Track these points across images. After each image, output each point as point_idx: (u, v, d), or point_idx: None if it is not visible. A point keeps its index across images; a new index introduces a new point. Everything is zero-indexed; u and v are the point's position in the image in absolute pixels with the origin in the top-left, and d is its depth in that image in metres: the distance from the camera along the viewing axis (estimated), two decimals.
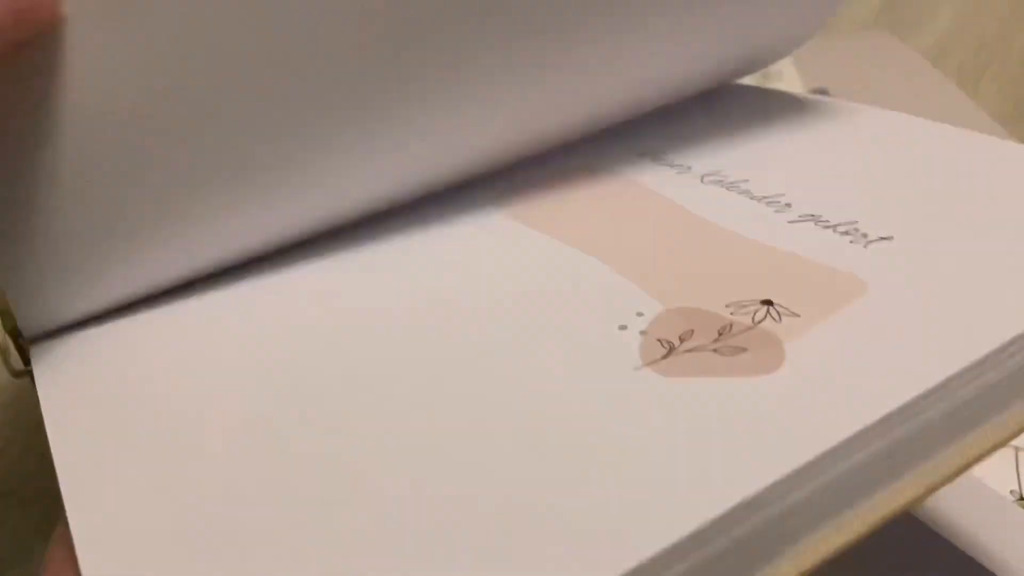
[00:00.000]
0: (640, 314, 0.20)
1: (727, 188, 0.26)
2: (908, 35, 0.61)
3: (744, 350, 0.19)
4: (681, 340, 0.19)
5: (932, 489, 0.18)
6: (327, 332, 0.22)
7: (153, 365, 0.22)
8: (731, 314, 0.20)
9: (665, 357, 0.19)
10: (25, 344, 0.25)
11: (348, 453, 0.18)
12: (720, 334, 0.19)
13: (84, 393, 0.21)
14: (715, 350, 0.19)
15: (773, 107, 0.31)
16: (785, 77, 0.54)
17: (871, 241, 0.22)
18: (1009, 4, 0.64)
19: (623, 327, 0.20)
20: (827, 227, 0.23)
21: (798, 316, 0.19)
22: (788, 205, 0.24)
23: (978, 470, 0.32)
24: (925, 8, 0.64)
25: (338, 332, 0.22)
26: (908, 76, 0.55)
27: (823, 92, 0.54)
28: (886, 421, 0.17)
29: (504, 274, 0.23)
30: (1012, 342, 0.18)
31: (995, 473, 0.34)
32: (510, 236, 0.25)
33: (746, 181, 0.26)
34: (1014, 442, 0.35)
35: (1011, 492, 0.33)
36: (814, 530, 0.17)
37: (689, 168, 0.27)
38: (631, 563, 0.15)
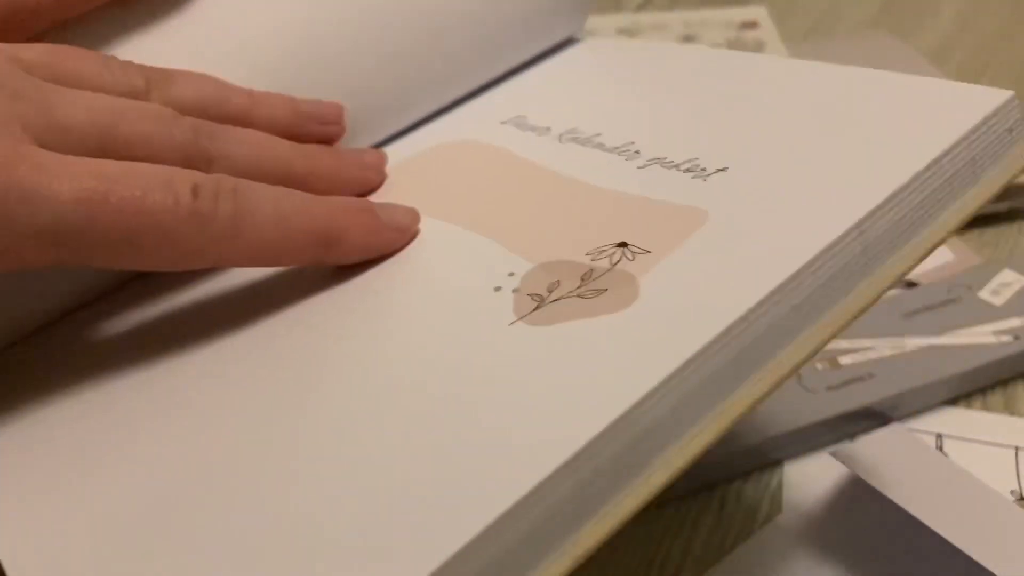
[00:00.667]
0: (511, 274, 0.23)
1: (582, 144, 0.28)
2: (908, 35, 0.61)
3: (604, 290, 0.21)
4: (549, 291, 0.22)
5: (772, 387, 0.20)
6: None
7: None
8: (592, 260, 0.22)
9: (536, 309, 0.21)
10: None
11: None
12: (583, 280, 0.22)
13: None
14: (579, 295, 0.21)
15: (622, 60, 0.34)
16: None
17: (710, 174, 0.24)
18: (1009, 4, 0.64)
19: (498, 288, 0.22)
20: (672, 167, 0.25)
21: (649, 252, 0.22)
22: (637, 152, 0.26)
23: (978, 470, 0.32)
24: (925, 8, 0.64)
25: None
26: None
27: None
28: (724, 335, 0.19)
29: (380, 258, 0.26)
30: (834, 243, 0.20)
31: (995, 473, 0.34)
32: None
33: (599, 135, 0.28)
34: (1014, 442, 0.35)
35: (1011, 492, 0.33)
36: (675, 440, 0.19)
37: (548, 129, 0.29)
38: (521, 492, 0.16)
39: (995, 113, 0.23)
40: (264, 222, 0.23)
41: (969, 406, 0.37)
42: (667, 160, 0.25)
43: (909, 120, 0.24)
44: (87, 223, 0.21)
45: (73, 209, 0.21)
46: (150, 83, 0.26)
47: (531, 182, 0.26)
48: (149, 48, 0.27)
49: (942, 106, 0.24)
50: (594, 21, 0.61)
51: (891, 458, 0.33)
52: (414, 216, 0.26)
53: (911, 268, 0.22)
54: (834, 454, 0.33)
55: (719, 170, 0.24)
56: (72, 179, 0.21)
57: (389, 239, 0.25)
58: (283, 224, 0.23)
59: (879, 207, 0.21)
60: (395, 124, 0.31)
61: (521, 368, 0.20)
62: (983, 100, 0.23)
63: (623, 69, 0.32)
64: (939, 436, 0.35)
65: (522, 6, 0.32)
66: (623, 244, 0.22)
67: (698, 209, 0.23)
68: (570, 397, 0.18)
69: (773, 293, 0.19)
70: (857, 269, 0.21)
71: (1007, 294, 0.40)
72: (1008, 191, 0.47)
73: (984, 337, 0.38)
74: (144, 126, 0.24)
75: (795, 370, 0.20)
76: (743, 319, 0.19)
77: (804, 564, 0.30)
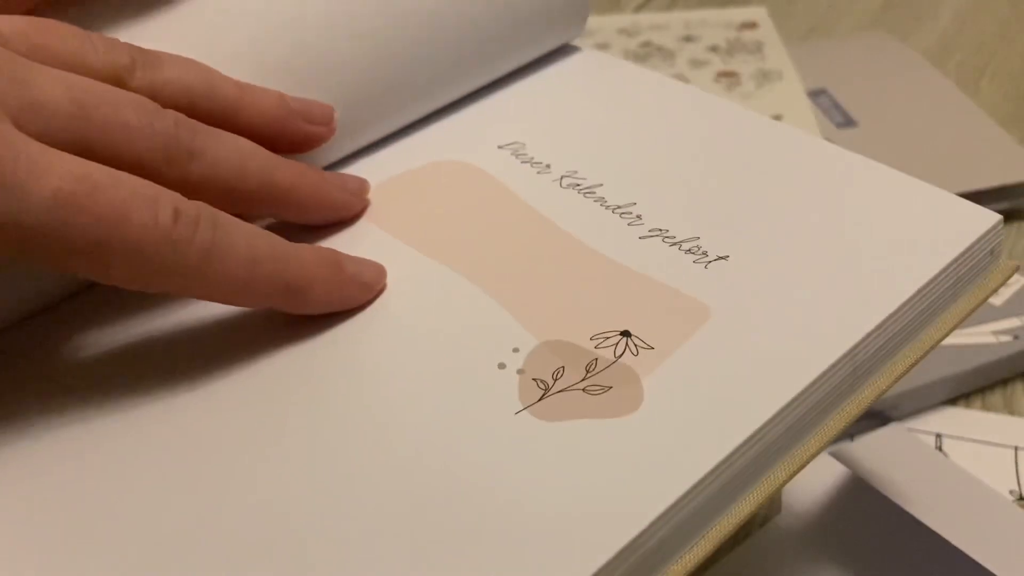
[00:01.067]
0: (516, 350, 0.23)
1: (583, 195, 0.27)
2: (908, 35, 0.61)
3: (609, 388, 0.21)
4: (554, 379, 0.22)
5: (772, 493, 0.21)
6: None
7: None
8: (596, 347, 0.22)
9: (541, 399, 0.21)
10: None
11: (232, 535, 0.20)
12: (587, 371, 0.22)
13: None
14: (584, 390, 0.21)
15: (629, 92, 0.32)
16: (785, 77, 0.54)
17: (711, 261, 0.24)
18: (1009, 4, 0.64)
19: (502, 365, 0.22)
20: (673, 244, 0.25)
21: (652, 348, 0.22)
22: (639, 218, 0.26)
23: (978, 470, 0.32)
24: (925, 8, 0.64)
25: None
26: (908, 76, 0.56)
27: (823, 92, 0.54)
28: (724, 461, 0.20)
29: (383, 304, 0.25)
30: (830, 368, 0.21)
31: (995, 473, 0.34)
32: (379, 248, 0.26)
33: (600, 186, 0.27)
34: (1014, 442, 0.35)
35: (1011, 492, 0.33)
36: (676, 556, 0.20)
37: (548, 168, 0.28)
38: None
39: (983, 236, 0.24)
40: (235, 260, 0.23)
41: (969, 406, 0.37)
42: (668, 234, 0.25)
43: (906, 234, 0.24)
44: (60, 225, 0.20)
45: (49, 209, 0.20)
46: (135, 62, 0.25)
47: (533, 234, 0.26)
48: (138, 40, 0.26)
49: (937, 223, 0.25)
50: (594, 21, 0.61)
51: (891, 458, 0.33)
52: (381, 273, 0.26)
53: (892, 384, 0.23)
54: (834, 454, 0.33)
55: (720, 258, 0.24)
56: (54, 176, 0.20)
57: (352, 295, 0.25)
58: (252, 266, 0.23)
59: (873, 331, 0.22)
60: (385, 126, 0.31)
61: (527, 470, 0.20)
62: (974, 221, 0.24)
63: (630, 103, 0.32)
64: (939, 436, 0.35)
65: (520, 9, 0.32)
66: (626, 333, 0.23)
67: (700, 304, 0.23)
68: (579, 517, 0.19)
69: (771, 419, 0.20)
70: (845, 388, 0.22)
71: (1007, 294, 0.40)
72: (1008, 191, 0.47)
73: (984, 337, 0.38)
74: (125, 112, 0.23)
75: (781, 487, 0.21)
76: (743, 445, 0.20)
77: (804, 564, 0.30)
